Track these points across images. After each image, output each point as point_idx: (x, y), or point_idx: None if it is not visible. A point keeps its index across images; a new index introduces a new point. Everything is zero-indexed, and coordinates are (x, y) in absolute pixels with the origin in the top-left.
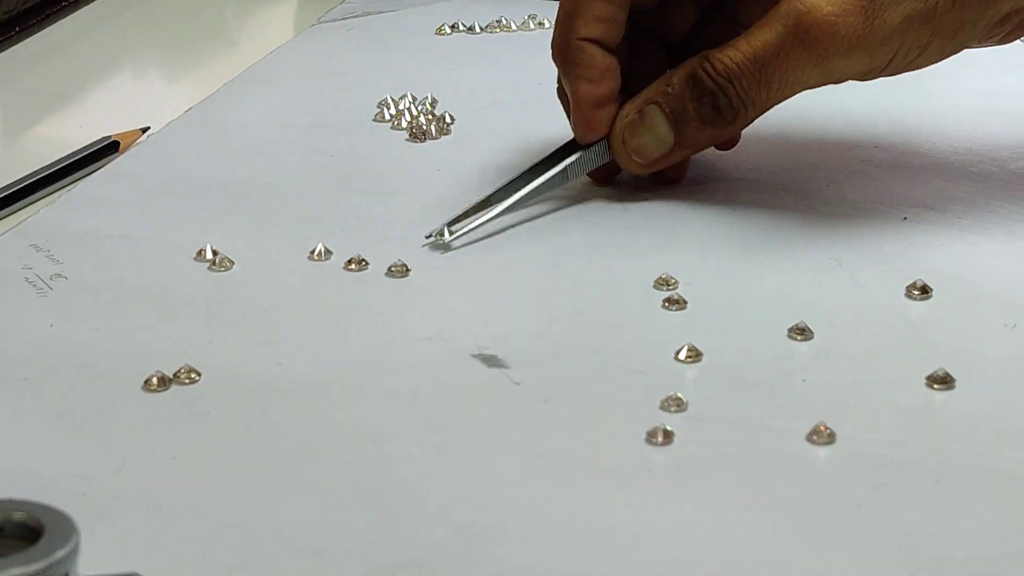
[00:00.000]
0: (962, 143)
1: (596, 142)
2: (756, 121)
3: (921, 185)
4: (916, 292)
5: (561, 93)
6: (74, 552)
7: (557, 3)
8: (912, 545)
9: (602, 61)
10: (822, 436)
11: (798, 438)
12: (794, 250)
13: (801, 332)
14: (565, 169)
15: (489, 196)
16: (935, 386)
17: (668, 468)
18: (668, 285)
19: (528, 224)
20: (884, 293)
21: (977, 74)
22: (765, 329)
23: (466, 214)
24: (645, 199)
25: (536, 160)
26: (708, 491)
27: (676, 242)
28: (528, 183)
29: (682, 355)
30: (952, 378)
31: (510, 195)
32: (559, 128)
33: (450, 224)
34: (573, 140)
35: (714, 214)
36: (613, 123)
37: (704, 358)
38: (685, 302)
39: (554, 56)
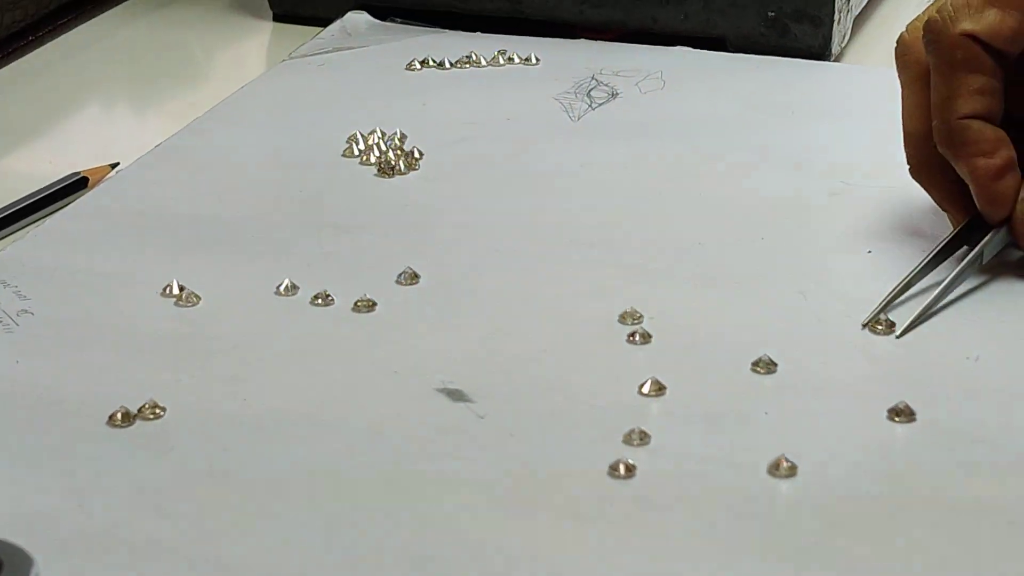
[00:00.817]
0: None
1: (1004, 220)
2: (721, 151)
3: (887, 219)
4: (879, 327)
5: (918, 173)
6: None
7: (528, 38)
8: None
9: (991, 133)
10: (783, 469)
11: (759, 471)
12: (760, 284)
13: (765, 366)
14: (981, 251)
15: (908, 281)
16: (896, 419)
17: (629, 501)
18: (634, 319)
19: (493, 256)
20: (848, 327)
21: None
22: (729, 363)
23: (891, 300)
24: (609, 232)
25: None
26: (669, 525)
27: (642, 276)
28: (942, 265)
29: (646, 389)
30: (913, 411)
31: (924, 275)
32: (525, 163)
33: (881, 311)
34: (976, 219)
35: (681, 248)
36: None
37: (668, 392)
38: (650, 336)
39: (940, 144)
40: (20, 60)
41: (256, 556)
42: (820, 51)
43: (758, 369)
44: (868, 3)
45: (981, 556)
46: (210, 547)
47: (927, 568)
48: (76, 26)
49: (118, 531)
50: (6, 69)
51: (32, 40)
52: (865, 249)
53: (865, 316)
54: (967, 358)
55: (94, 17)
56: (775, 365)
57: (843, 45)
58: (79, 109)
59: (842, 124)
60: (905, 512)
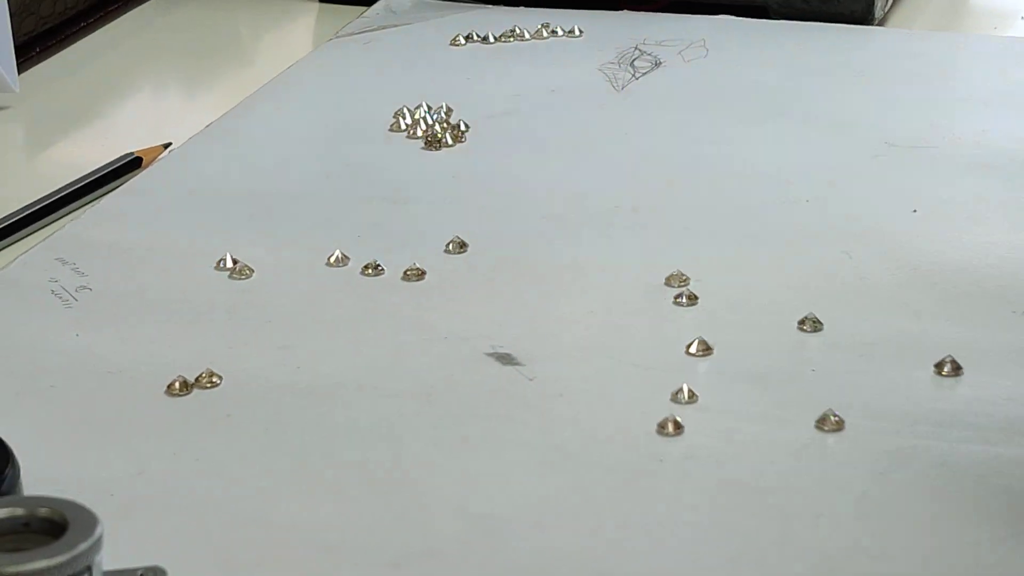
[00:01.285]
0: (971, 136)
1: None
2: (765, 117)
3: (930, 178)
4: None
5: None
6: (97, 544)
7: (571, 11)
8: (919, 531)
9: None
10: (830, 424)
11: (807, 426)
12: (805, 245)
13: (811, 324)
14: None
15: None
16: (943, 373)
17: (679, 458)
18: (680, 282)
19: (540, 224)
20: (893, 285)
21: (986, 68)
22: (775, 323)
23: None
24: (654, 198)
25: None
26: (718, 480)
27: (687, 239)
28: None
29: (693, 349)
30: (960, 366)
31: None
32: (570, 133)
33: None
34: None
35: (725, 211)
36: None
37: (715, 352)
38: (696, 298)
39: None
40: (72, 47)
41: (311, 518)
42: (863, 16)
43: (804, 328)
44: None
45: None
46: (266, 509)
47: (973, 520)
48: (126, 12)
49: (177, 496)
50: (58, 56)
51: (84, 27)
52: (910, 209)
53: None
54: (1013, 312)
55: (143, 3)
56: (821, 324)
57: (886, 10)
58: (132, 93)
59: (885, 88)
60: (951, 466)
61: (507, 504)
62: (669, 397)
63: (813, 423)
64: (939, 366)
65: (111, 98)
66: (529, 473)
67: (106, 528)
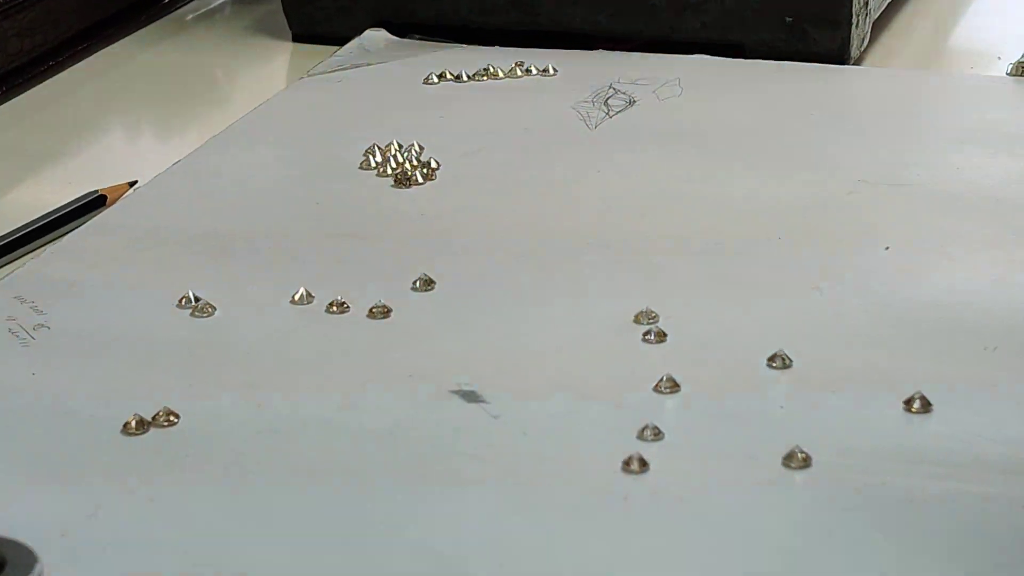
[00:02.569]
0: (946, 174)
1: None
2: (739, 154)
3: (904, 216)
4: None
5: None
6: None
7: (545, 50)
8: (887, 568)
9: None
10: (797, 460)
11: (774, 464)
12: (776, 282)
13: (780, 360)
14: None
15: None
16: (912, 410)
17: (644, 495)
18: (649, 319)
19: (509, 262)
20: (865, 321)
21: (962, 107)
22: (745, 360)
23: None
24: (625, 235)
25: None
26: (684, 518)
27: (658, 277)
28: None
29: (660, 386)
30: (929, 402)
31: None
32: (542, 171)
33: None
34: None
35: (697, 249)
36: None
37: (682, 389)
38: (665, 335)
39: None
40: (39, 86)
41: (272, 560)
42: (839, 55)
43: (773, 364)
44: (887, 6)
45: (996, 547)
46: (224, 552)
47: (943, 559)
48: (96, 51)
49: (132, 538)
50: (25, 95)
51: (51, 66)
52: (883, 245)
53: None
54: (984, 348)
55: (113, 43)
56: (790, 360)
57: (862, 49)
58: (101, 133)
59: (860, 126)
60: (919, 503)
61: (470, 543)
62: (635, 434)
63: (780, 460)
64: (908, 402)
65: (79, 138)
66: (493, 513)
67: (56, 570)
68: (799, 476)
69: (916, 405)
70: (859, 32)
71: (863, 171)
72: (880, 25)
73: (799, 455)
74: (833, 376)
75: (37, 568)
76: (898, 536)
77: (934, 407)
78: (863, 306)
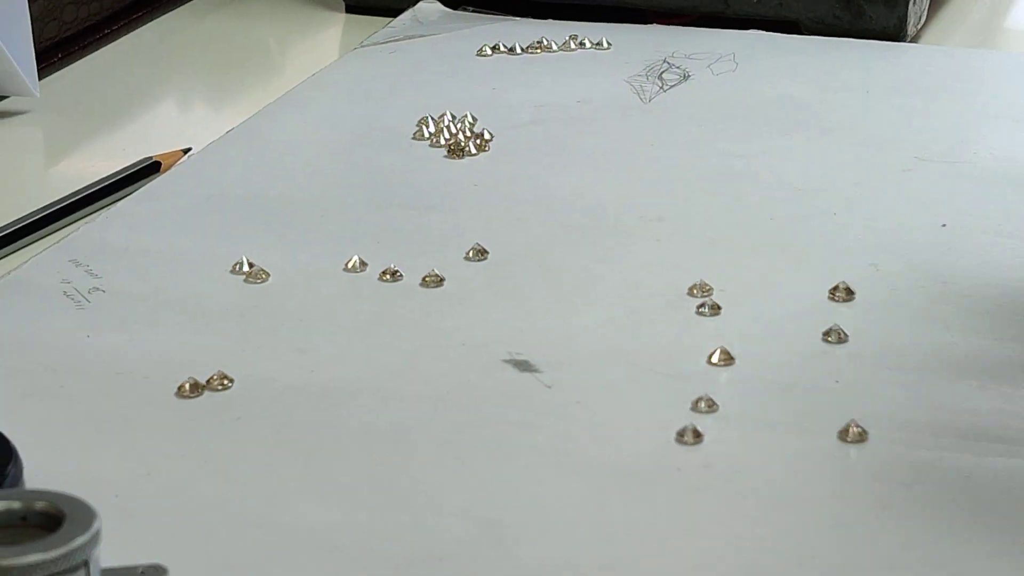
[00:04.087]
0: (1003, 152)
1: None
2: (793, 130)
3: (961, 193)
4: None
5: None
6: (95, 539)
7: (600, 24)
8: (941, 543)
9: None
10: (853, 435)
11: (829, 437)
12: (832, 257)
13: (836, 335)
14: None
15: None
16: (971, 384)
17: (697, 467)
18: (703, 291)
19: (561, 233)
20: (921, 297)
21: (1018, 86)
22: (799, 334)
23: None
24: (679, 208)
25: None
26: (737, 489)
27: (712, 250)
28: None
29: (715, 359)
30: (986, 378)
31: None
32: (596, 143)
33: None
34: None
35: (752, 223)
36: None
37: (737, 362)
38: (719, 308)
39: None
40: (94, 54)
41: (320, 522)
42: (895, 32)
43: (829, 339)
44: None
45: None
46: (275, 512)
47: (999, 534)
48: (151, 20)
49: (183, 497)
50: (80, 63)
51: (107, 33)
52: (939, 223)
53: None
54: None
55: (168, 12)
56: (846, 335)
57: (919, 27)
58: (154, 101)
59: (916, 104)
60: (977, 478)
61: (519, 510)
62: (689, 406)
63: (835, 434)
64: (965, 377)
65: (133, 106)
66: (544, 480)
67: (110, 528)
68: (854, 450)
69: (973, 380)
70: (916, 9)
71: (919, 148)
72: (937, 3)
73: (855, 429)
74: (889, 352)
75: (96, 524)
76: (954, 511)
77: (990, 383)
78: (919, 282)
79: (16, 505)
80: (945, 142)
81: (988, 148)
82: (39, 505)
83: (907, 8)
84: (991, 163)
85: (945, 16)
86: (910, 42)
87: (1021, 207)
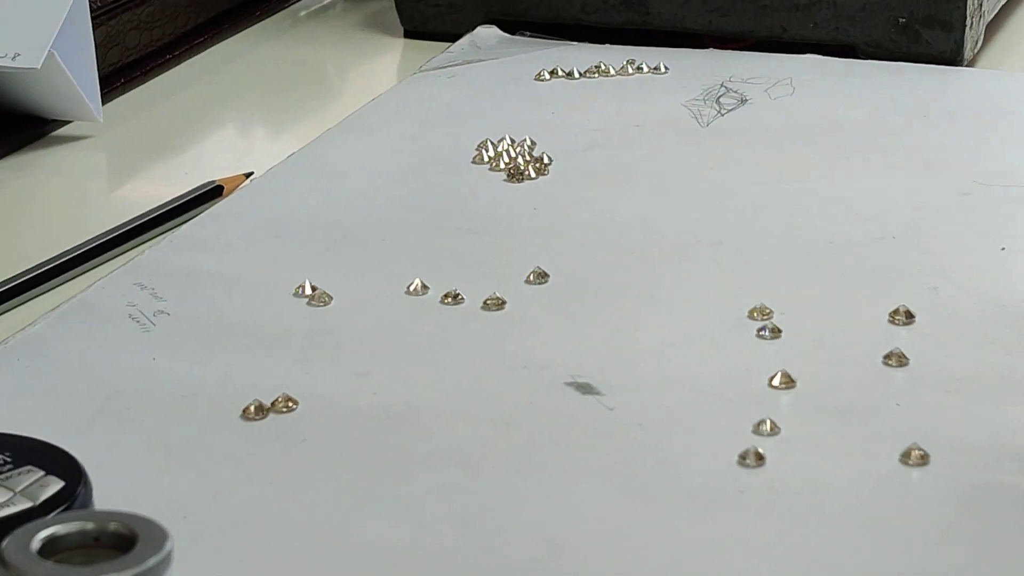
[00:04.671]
0: None
1: None
2: (851, 154)
3: (1019, 217)
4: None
5: None
6: (167, 560)
7: (657, 48)
8: (1004, 566)
9: None
10: (915, 458)
11: (891, 460)
12: (891, 281)
13: (896, 359)
14: None
15: None
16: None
17: (760, 490)
18: (763, 315)
19: (621, 257)
20: (980, 320)
21: None
22: (859, 357)
23: None
24: (738, 232)
25: None
26: (800, 512)
27: (771, 274)
28: None
29: (776, 382)
30: None
31: None
32: (654, 167)
33: None
34: None
35: (809, 246)
36: None
37: (798, 385)
38: (780, 331)
39: None
40: (156, 79)
41: (387, 544)
42: (952, 57)
43: (889, 362)
44: (1001, 8)
45: None
46: (342, 534)
47: None
48: (211, 46)
49: (251, 520)
50: (143, 88)
51: (169, 59)
52: (998, 246)
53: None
54: None
55: (229, 37)
56: (907, 358)
57: (975, 51)
58: (215, 126)
59: (974, 128)
60: None
61: (585, 532)
62: (751, 429)
63: (897, 457)
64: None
65: (194, 130)
66: (608, 501)
67: (179, 550)
68: (916, 473)
69: None
70: (973, 34)
71: (977, 172)
72: (994, 27)
73: (916, 452)
74: (949, 375)
75: (168, 544)
76: (1017, 534)
77: None
78: (978, 305)
79: (89, 526)
80: (1003, 166)
81: None
82: (112, 526)
83: (964, 32)
84: None
85: (1002, 40)
86: (967, 66)
87: None
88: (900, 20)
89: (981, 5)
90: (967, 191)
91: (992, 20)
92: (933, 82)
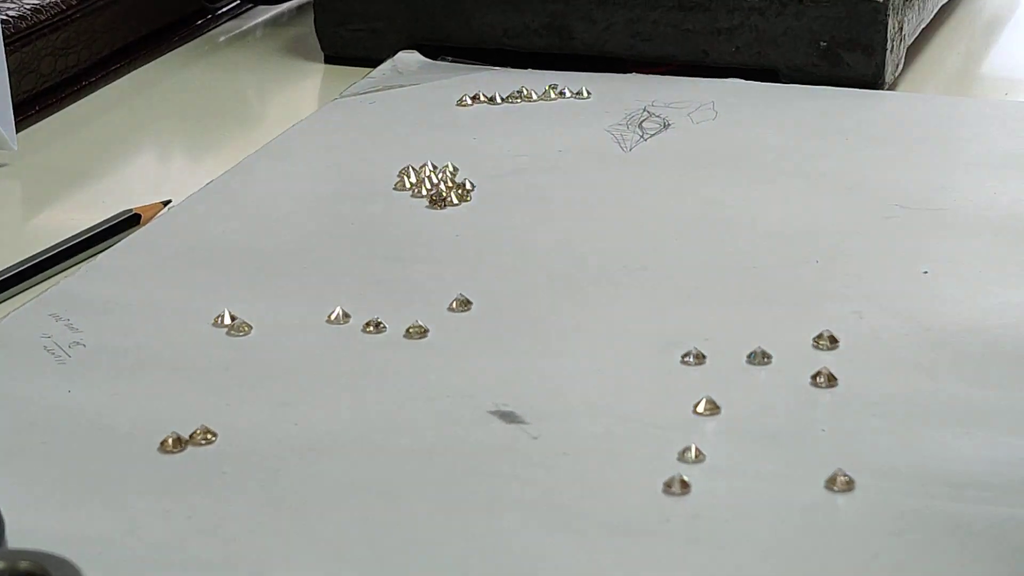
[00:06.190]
0: (983, 200)
1: None
2: (774, 178)
3: (941, 241)
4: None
5: None
6: None
7: (579, 73)
8: None
9: None
10: (840, 484)
11: (816, 487)
12: (815, 305)
13: (824, 378)
14: None
15: None
16: (956, 431)
17: (686, 518)
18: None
19: (545, 283)
20: (905, 344)
21: (997, 132)
22: (785, 383)
23: None
24: (662, 257)
25: None
26: (726, 540)
27: (696, 299)
28: None
29: (700, 408)
30: (972, 424)
31: None
32: (577, 192)
33: None
34: None
35: (734, 270)
36: None
37: (723, 411)
38: (704, 357)
39: None
40: (72, 106)
41: None
42: (873, 80)
43: (818, 382)
44: (922, 32)
45: None
46: (262, 569)
47: None
48: (129, 72)
49: (170, 555)
50: (59, 115)
51: (85, 86)
52: (921, 269)
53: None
54: None
55: (146, 63)
56: (835, 379)
57: (896, 74)
58: (133, 153)
59: (895, 151)
60: (965, 527)
61: (508, 565)
62: (676, 456)
63: (823, 483)
64: (951, 425)
65: (111, 158)
66: (531, 533)
67: None
68: (842, 499)
69: (959, 428)
70: (894, 57)
71: (899, 196)
72: (914, 50)
73: (842, 478)
74: (875, 399)
75: None
76: (944, 561)
77: (977, 430)
78: (903, 329)
79: (0, 565)
80: (925, 189)
81: (967, 195)
82: (23, 565)
83: (885, 56)
84: (971, 209)
85: (922, 64)
86: (888, 90)
87: (1002, 253)
88: (821, 44)
89: (902, 28)
90: (889, 214)
91: (912, 43)
92: (855, 105)
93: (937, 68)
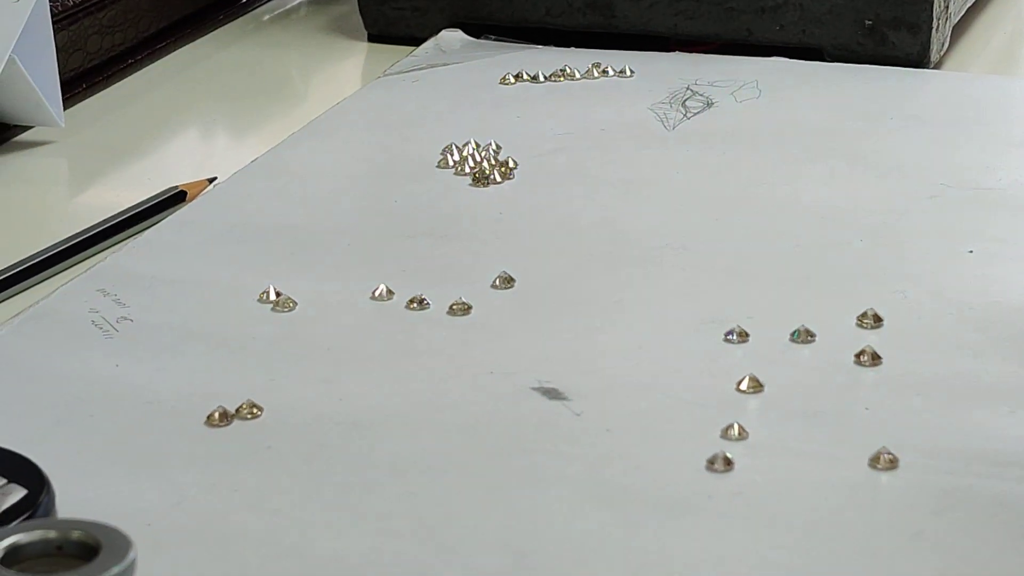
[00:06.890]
0: None
1: None
2: (818, 157)
3: (987, 220)
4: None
5: None
6: (130, 568)
7: (622, 52)
8: (973, 570)
9: None
10: (884, 462)
11: (860, 464)
12: (859, 284)
13: (868, 357)
14: None
15: None
16: (1000, 410)
17: (728, 495)
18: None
19: (588, 261)
20: (948, 324)
21: None
22: (828, 361)
23: None
24: (704, 235)
25: None
26: (768, 517)
27: (738, 277)
28: None
29: (743, 386)
30: (1015, 403)
31: None
32: (619, 170)
33: None
34: None
35: (776, 249)
36: None
37: (766, 389)
38: (747, 335)
39: None
40: (118, 84)
41: (351, 552)
42: (918, 59)
43: (863, 361)
44: (967, 10)
45: None
46: (306, 542)
47: None
48: (174, 50)
49: (215, 527)
50: (105, 92)
51: (131, 63)
52: (966, 249)
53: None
54: None
55: (192, 41)
56: (880, 358)
57: (942, 53)
58: (178, 130)
59: (941, 130)
60: (1009, 506)
61: (551, 540)
62: (719, 433)
63: (866, 461)
64: (996, 404)
65: (157, 135)
66: (574, 508)
67: (142, 559)
68: (885, 477)
69: (1004, 406)
70: (939, 36)
71: (944, 175)
72: (960, 29)
73: (886, 456)
74: (918, 378)
75: (132, 553)
76: (985, 538)
77: (1021, 410)
78: (947, 309)
79: (52, 535)
80: (970, 168)
81: (1013, 174)
82: (75, 535)
83: (930, 35)
84: (1017, 189)
85: (967, 42)
86: (933, 69)
87: None
88: (867, 23)
89: (947, 7)
90: (934, 194)
91: (958, 22)
92: (899, 85)
93: (983, 47)
